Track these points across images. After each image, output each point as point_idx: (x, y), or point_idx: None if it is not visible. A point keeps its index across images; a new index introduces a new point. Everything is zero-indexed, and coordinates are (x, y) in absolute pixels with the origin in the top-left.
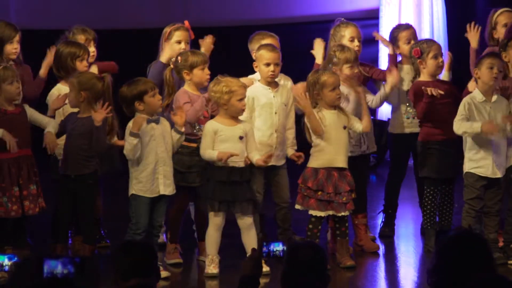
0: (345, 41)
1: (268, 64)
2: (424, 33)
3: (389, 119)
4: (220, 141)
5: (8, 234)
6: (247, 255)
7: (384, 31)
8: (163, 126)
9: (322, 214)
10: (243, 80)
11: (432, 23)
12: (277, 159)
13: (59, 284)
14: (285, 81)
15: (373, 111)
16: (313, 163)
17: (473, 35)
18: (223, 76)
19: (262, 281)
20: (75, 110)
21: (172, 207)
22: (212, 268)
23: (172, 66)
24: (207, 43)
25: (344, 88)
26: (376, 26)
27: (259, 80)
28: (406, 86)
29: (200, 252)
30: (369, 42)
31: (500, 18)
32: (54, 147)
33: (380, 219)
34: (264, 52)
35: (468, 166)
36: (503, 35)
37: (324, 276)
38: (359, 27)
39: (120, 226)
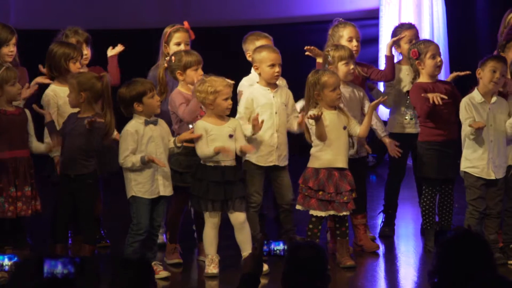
0: (344, 41)
1: (272, 65)
2: (424, 33)
3: (388, 119)
4: (210, 141)
5: (8, 234)
6: (242, 254)
7: (384, 31)
8: (161, 128)
9: (323, 214)
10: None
11: (432, 23)
12: (280, 160)
13: (59, 284)
14: (280, 81)
15: None
16: (314, 163)
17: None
18: (208, 75)
19: (263, 280)
20: (75, 110)
21: (171, 207)
22: (212, 268)
23: (165, 65)
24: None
25: (342, 88)
26: (376, 26)
27: (258, 82)
28: (405, 87)
29: (200, 252)
30: (369, 42)
31: None
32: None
33: (380, 219)
34: (266, 53)
35: (463, 165)
36: (503, 35)
37: (324, 276)
38: (358, 27)
39: (120, 226)
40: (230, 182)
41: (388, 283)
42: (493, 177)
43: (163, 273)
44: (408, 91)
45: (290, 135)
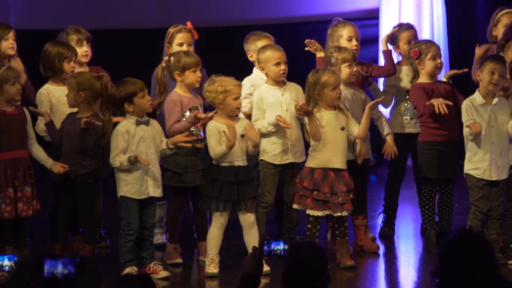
0: (343, 41)
1: (278, 64)
2: (424, 33)
3: (388, 119)
4: (223, 141)
5: (8, 234)
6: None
7: (384, 31)
8: (152, 128)
9: (319, 213)
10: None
11: (432, 23)
12: (296, 156)
13: (59, 284)
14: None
15: None
16: (310, 162)
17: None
18: (217, 75)
19: (263, 281)
20: (67, 110)
21: (171, 207)
22: (212, 268)
23: (164, 65)
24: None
25: (343, 89)
26: (376, 26)
27: (266, 82)
28: (404, 87)
29: (200, 252)
30: (369, 42)
31: (503, 17)
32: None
33: (380, 219)
34: (271, 52)
35: (466, 167)
36: (502, 35)
37: (324, 276)
38: (358, 27)
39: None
40: (243, 182)
41: (388, 283)
42: (494, 178)
43: (163, 273)
44: (407, 91)
45: None
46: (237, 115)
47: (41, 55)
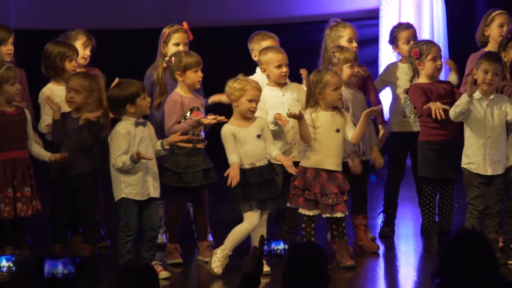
0: (343, 42)
1: (279, 66)
2: (424, 33)
3: (388, 118)
4: (240, 144)
5: (8, 234)
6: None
7: (384, 31)
8: (149, 129)
9: (311, 213)
10: None
11: (432, 23)
12: (300, 155)
13: (59, 284)
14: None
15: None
16: (304, 162)
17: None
18: (244, 76)
19: (263, 280)
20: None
21: (170, 208)
22: (217, 266)
23: (165, 65)
24: None
25: (343, 89)
26: (376, 26)
27: (267, 84)
28: (403, 85)
29: (200, 252)
30: (369, 42)
31: (497, 17)
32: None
33: (380, 219)
34: (272, 54)
35: (462, 161)
36: (504, 35)
37: (324, 276)
38: (358, 27)
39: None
40: (268, 181)
41: (388, 283)
42: (489, 173)
43: (163, 273)
44: (406, 90)
45: None
46: (250, 118)
47: (43, 55)
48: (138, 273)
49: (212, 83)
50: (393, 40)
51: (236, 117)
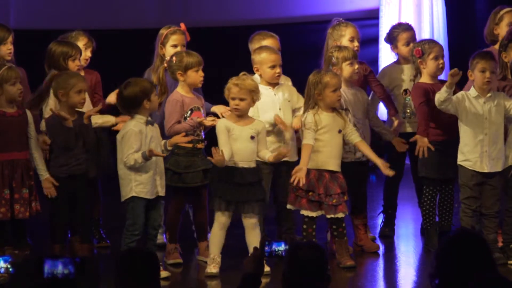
0: (345, 41)
1: (273, 66)
2: (424, 33)
3: (386, 119)
4: (232, 140)
5: (8, 234)
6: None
7: (384, 31)
8: (156, 129)
9: (313, 214)
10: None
11: (432, 23)
12: (290, 155)
13: (59, 285)
14: (285, 81)
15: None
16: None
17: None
18: (246, 74)
19: (263, 280)
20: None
21: (170, 208)
22: (212, 267)
23: (165, 65)
24: None
25: (344, 89)
26: (376, 26)
27: (259, 83)
28: (401, 86)
29: (200, 252)
30: (369, 42)
31: (506, 16)
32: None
33: (380, 219)
34: (266, 54)
35: (459, 158)
36: (505, 35)
37: (325, 276)
38: (358, 27)
39: (120, 226)
40: (249, 184)
41: (388, 283)
42: (486, 170)
43: (163, 273)
44: (405, 90)
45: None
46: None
47: (46, 55)
48: (140, 256)
49: (212, 83)
50: (392, 40)
51: (232, 114)
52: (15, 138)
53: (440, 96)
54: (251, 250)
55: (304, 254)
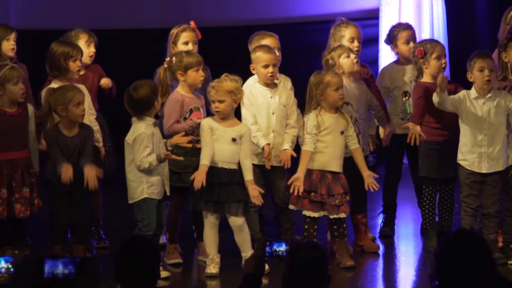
0: (345, 41)
1: (266, 66)
2: (424, 33)
3: None
4: (214, 140)
5: (8, 234)
6: (242, 255)
7: (384, 31)
8: (158, 129)
9: (316, 214)
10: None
11: (432, 23)
12: (275, 159)
13: (59, 285)
14: (285, 82)
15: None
16: (309, 164)
17: None
18: (228, 75)
19: (264, 281)
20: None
21: (170, 208)
22: (212, 268)
23: (166, 66)
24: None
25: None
26: (376, 26)
27: (258, 82)
28: (401, 88)
29: (200, 252)
30: (369, 42)
31: None
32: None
33: (380, 219)
34: (260, 54)
35: (458, 157)
36: (504, 34)
37: (325, 277)
38: (359, 27)
39: (120, 227)
40: (225, 184)
41: (388, 283)
42: (484, 171)
43: (163, 273)
44: (404, 92)
45: None
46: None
47: (47, 55)
48: (141, 244)
49: None
50: (392, 40)
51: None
52: (15, 137)
53: (434, 99)
54: (242, 250)
55: (305, 254)
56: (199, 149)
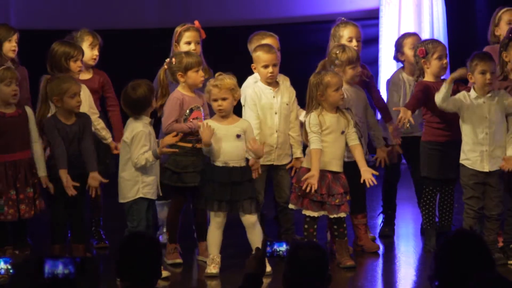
0: (344, 41)
1: (266, 66)
2: (424, 33)
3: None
4: (216, 140)
5: (9, 234)
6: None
7: (384, 31)
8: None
9: (315, 214)
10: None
11: (432, 23)
12: (279, 158)
13: (59, 285)
14: (283, 81)
15: (374, 111)
16: (309, 163)
17: None
18: (222, 74)
19: (264, 280)
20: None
21: (170, 207)
22: (212, 268)
23: (166, 67)
24: None
25: (348, 89)
26: (376, 26)
27: (260, 80)
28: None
29: (200, 252)
30: (369, 42)
31: (504, 15)
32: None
33: (380, 219)
34: (261, 53)
35: (460, 157)
36: (505, 34)
37: (325, 276)
38: (359, 27)
39: (120, 227)
40: (237, 183)
41: (388, 283)
42: (486, 170)
43: (163, 273)
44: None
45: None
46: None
47: (48, 55)
48: (143, 240)
49: None
50: (398, 47)
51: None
52: (16, 138)
53: (439, 94)
54: (253, 248)
55: (305, 254)
56: (199, 149)
